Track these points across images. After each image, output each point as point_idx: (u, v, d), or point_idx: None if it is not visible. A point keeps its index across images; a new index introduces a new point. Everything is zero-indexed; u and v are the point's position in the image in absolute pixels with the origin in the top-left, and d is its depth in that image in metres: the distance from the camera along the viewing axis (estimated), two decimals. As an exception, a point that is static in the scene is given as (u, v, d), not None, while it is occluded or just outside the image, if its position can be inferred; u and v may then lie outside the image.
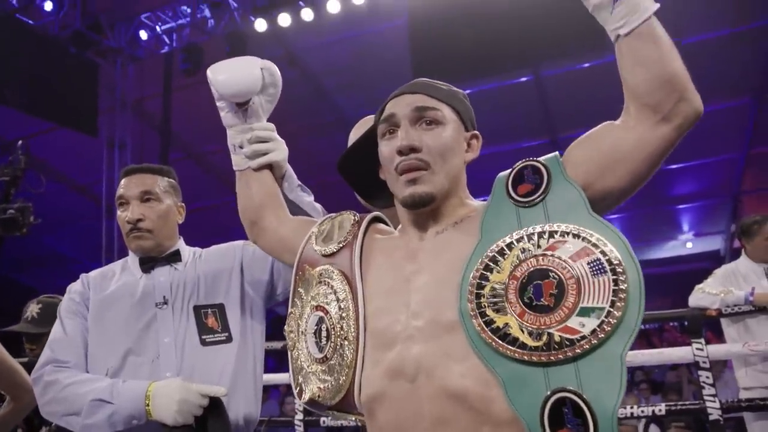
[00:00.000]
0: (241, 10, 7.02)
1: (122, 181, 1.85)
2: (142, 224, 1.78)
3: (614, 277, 0.94)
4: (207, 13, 7.22)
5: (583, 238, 0.98)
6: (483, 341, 1.00)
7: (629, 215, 10.97)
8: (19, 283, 10.53)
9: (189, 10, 7.34)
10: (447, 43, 6.24)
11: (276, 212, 1.46)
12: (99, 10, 7.31)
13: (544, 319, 0.96)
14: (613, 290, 0.93)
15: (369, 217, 1.33)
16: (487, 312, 1.00)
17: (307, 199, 1.63)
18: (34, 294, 3.11)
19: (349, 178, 1.38)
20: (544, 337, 0.95)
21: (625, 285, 0.93)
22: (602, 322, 0.92)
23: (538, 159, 1.11)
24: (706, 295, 3.55)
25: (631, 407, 3.51)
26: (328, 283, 1.21)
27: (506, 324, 0.98)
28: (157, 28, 7.56)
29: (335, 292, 1.19)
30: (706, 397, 3.19)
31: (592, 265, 0.96)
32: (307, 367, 1.21)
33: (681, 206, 11.60)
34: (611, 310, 0.92)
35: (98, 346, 1.70)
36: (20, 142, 4.42)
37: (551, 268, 0.98)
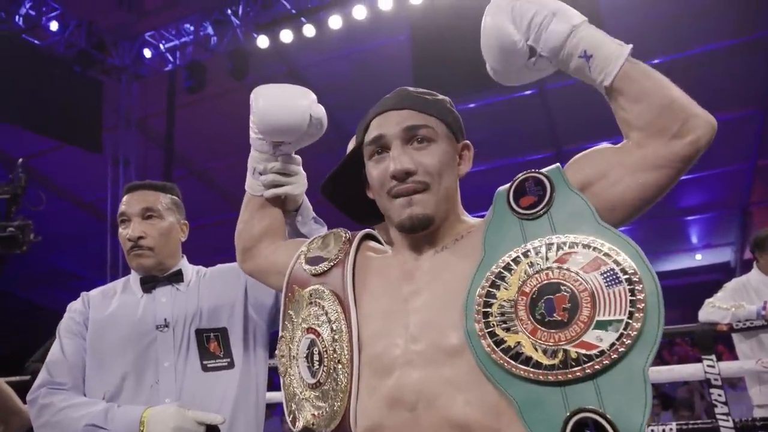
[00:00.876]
0: (243, 27, 7.04)
1: (124, 198, 1.81)
2: (144, 242, 1.74)
3: (630, 287, 0.90)
4: (210, 30, 7.24)
5: (594, 248, 0.93)
6: (494, 363, 0.94)
7: (636, 227, 10.88)
8: (26, 300, 10.53)
9: (192, 28, 7.37)
10: (450, 57, 6.20)
11: (272, 243, 1.40)
12: (103, 29, 7.35)
13: (558, 336, 0.91)
14: (630, 301, 0.89)
15: (360, 234, 1.27)
16: (496, 331, 0.95)
17: (321, 231, 1.56)
18: (40, 311, 3.09)
19: (334, 200, 1.32)
20: (560, 355, 0.90)
21: (643, 295, 0.89)
22: (621, 335, 0.88)
23: (540, 171, 1.06)
24: (716, 309, 3.47)
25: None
26: (319, 303, 1.15)
27: (518, 343, 0.93)
28: (161, 46, 7.59)
29: (327, 314, 1.13)
30: (718, 416, 3.10)
31: (605, 276, 0.91)
32: (300, 393, 1.15)
33: (689, 218, 11.50)
34: (630, 321, 0.88)
35: (96, 369, 1.65)
36: (20, 159, 4.41)
37: (562, 281, 0.93)
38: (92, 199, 9.09)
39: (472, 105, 7.88)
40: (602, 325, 0.89)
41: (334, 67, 7.85)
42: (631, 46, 1.02)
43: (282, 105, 1.32)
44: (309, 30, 6.75)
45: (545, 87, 8.00)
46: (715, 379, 3.13)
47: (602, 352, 0.88)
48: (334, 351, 1.09)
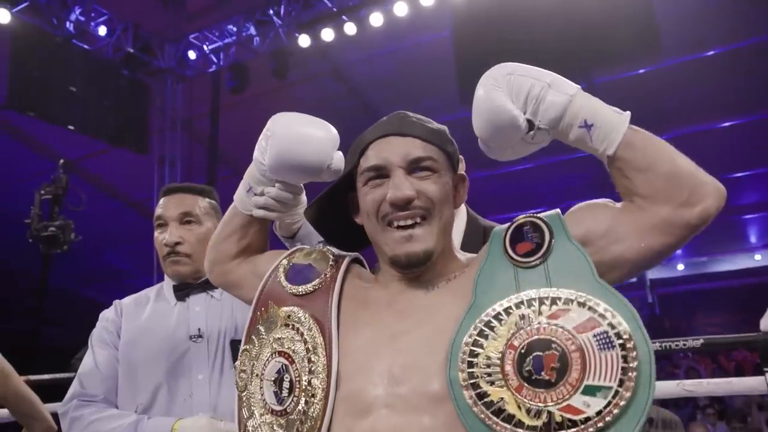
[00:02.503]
0: (285, 27, 7.06)
1: (161, 201, 1.74)
2: (181, 248, 1.67)
3: (623, 353, 0.86)
4: (252, 30, 7.30)
5: (590, 308, 0.89)
6: (475, 416, 0.90)
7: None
8: (83, 297, 10.89)
9: (235, 29, 7.44)
10: (493, 53, 6.06)
11: (247, 260, 1.29)
12: (149, 33, 7.50)
13: (544, 396, 0.87)
14: (622, 368, 0.85)
15: (348, 259, 1.20)
16: (480, 383, 0.90)
17: None
18: (96, 307, 3.12)
19: (316, 222, 1.25)
20: (544, 416, 0.86)
21: (635, 363, 0.85)
22: (609, 403, 0.84)
23: (539, 215, 1.02)
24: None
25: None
26: (297, 328, 1.08)
27: (502, 398, 0.89)
28: (205, 47, 7.69)
29: (305, 342, 1.06)
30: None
31: (598, 338, 0.87)
32: (260, 416, 1.08)
33: (747, 216, 11.03)
34: (620, 390, 0.85)
35: (128, 380, 1.60)
36: (61, 161, 4.52)
37: (553, 338, 0.89)
38: (141, 198, 9.31)
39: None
40: (591, 391, 0.85)
41: (376, 65, 7.82)
42: (629, 113, 1.00)
43: (302, 150, 1.19)
44: (350, 28, 6.73)
45: (594, 81, 7.79)
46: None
47: (588, 419, 0.84)
48: (309, 384, 1.03)
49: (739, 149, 8.42)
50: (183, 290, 1.70)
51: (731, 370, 8.71)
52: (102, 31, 7.12)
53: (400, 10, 6.45)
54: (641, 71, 7.41)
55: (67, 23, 6.85)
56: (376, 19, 6.60)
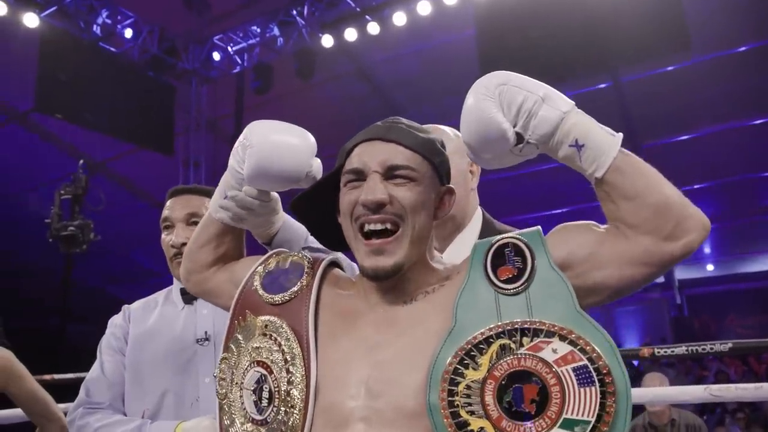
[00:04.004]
0: (308, 27, 7.08)
1: (168, 202, 1.72)
2: None
3: (602, 388, 0.86)
4: (276, 31, 7.34)
5: (570, 341, 0.89)
6: None
7: (722, 226, 10.28)
8: (110, 296, 11.07)
9: (258, 30, 7.49)
10: (518, 51, 6.02)
11: (222, 269, 1.28)
12: (174, 35, 7.59)
13: (523, 428, 0.87)
14: (601, 403, 0.85)
15: (324, 263, 1.17)
16: (460, 413, 0.90)
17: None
18: (122, 306, 3.17)
19: (307, 219, 1.23)
20: None
21: (613, 399, 0.86)
22: None
23: (520, 236, 1.00)
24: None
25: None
26: (275, 338, 1.07)
27: (481, 428, 0.89)
28: (229, 48, 7.77)
29: (282, 352, 1.05)
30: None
31: (578, 372, 0.87)
32: (241, 424, 1.08)
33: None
34: (597, 425, 0.85)
35: (135, 385, 1.61)
36: (81, 161, 4.58)
37: (534, 371, 0.88)
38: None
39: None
40: (569, 425, 0.86)
41: (400, 64, 7.81)
42: (621, 135, 0.97)
43: (280, 159, 1.17)
44: (373, 28, 6.73)
45: (621, 79, 7.68)
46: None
47: None
48: (288, 394, 1.02)
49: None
50: (189, 294, 1.65)
51: (762, 374, 8.52)
52: (128, 33, 7.24)
53: (424, 9, 6.44)
54: (670, 69, 7.28)
55: (94, 26, 6.98)
56: (399, 18, 6.59)
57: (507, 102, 0.98)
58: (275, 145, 1.17)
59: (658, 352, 2.38)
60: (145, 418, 1.55)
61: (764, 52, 6.79)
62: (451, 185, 1.15)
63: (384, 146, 1.07)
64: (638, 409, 4.17)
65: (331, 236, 1.19)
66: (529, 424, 0.87)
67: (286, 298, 1.11)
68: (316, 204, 1.18)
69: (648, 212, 0.94)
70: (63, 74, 6.59)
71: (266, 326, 1.09)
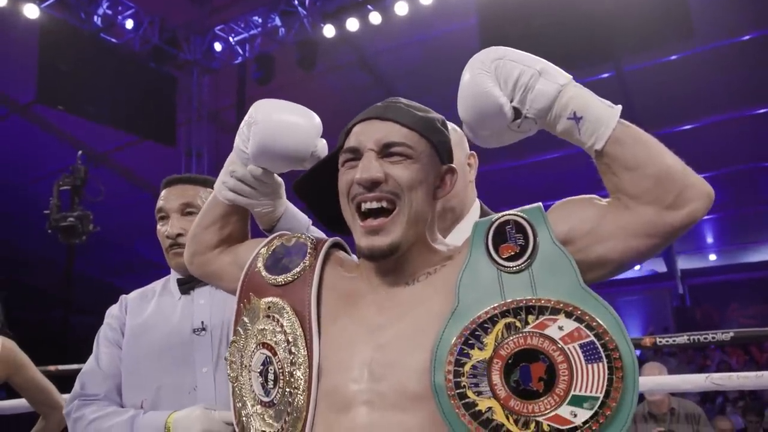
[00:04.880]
0: (310, 17, 7.05)
1: (162, 193, 1.71)
2: (182, 239, 1.62)
3: (609, 364, 0.86)
4: (278, 21, 7.31)
5: (576, 318, 0.88)
6: (463, 425, 0.89)
7: (725, 215, 10.28)
8: (115, 287, 11.11)
9: (260, 20, 7.46)
10: (520, 40, 5.96)
11: (227, 251, 1.28)
12: (175, 25, 7.56)
13: (532, 407, 0.87)
14: (609, 379, 0.85)
15: (327, 244, 1.17)
16: (467, 393, 0.89)
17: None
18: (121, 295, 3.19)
19: (310, 201, 1.22)
20: (532, 426, 0.86)
21: (621, 374, 0.86)
22: (596, 413, 0.85)
23: (521, 212, 0.99)
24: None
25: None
26: (277, 320, 1.07)
27: (489, 408, 0.88)
28: (231, 39, 7.74)
29: (285, 333, 1.05)
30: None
31: (585, 349, 0.87)
32: (251, 406, 1.08)
33: (782, 205, 10.76)
34: (606, 400, 0.85)
35: (133, 376, 1.61)
36: (80, 152, 4.58)
37: (541, 349, 0.88)
38: (169, 190, 9.42)
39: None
40: (577, 401, 0.86)
41: (403, 54, 7.77)
42: (620, 107, 0.96)
43: (285, 138, 1.17)
44: (375, 17, 6.70)
45: (624, 69, 7.63)
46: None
47: (575, 429, 0.85)
48: (291, 375, 1.02)
49: (772, 137, 8.21)
50: (187, 283, 1.69)
51: (763, 363, 8.54)
52: (129, 24, 7.21)
53: (425, -2, 6.40)
54: (672, 58, 7.24)
55: (95, 17, 6.96)
56: (400, 8, 6.55)
57: (503, 76, 0.98)
58: (280, 124, 1.17)
59: (660, 342, 2.39)
60: (143, 409, 1.54)
61: (766, 41, 6.75)
62: (453, 165, 1.13)
63: (380, 124, 1.06)
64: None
65: (335, 219, 1.18)
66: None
67: (289, 278, 1.11)
68: (319, 186, 1.18)
69: (649, 182, 0.93)
70: (64, 66, 6.58)
71: (269, 308, 1.09)
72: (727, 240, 11.84)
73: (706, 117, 8.35)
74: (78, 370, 1.66)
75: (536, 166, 8.55)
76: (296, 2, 7.08)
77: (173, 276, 1.73)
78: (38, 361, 2.24)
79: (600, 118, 0.94)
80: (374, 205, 1.03)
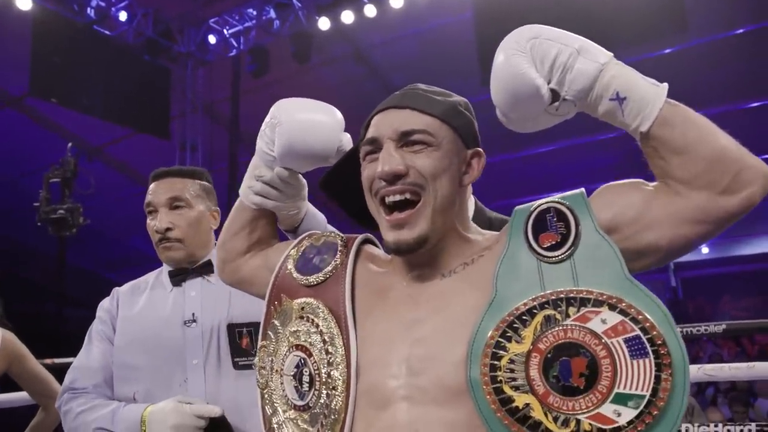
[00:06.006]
0: (305, 9, 7.02)
1: (150, 187, 1.69)
2: (171, 234, 1.63)
3: (657, 360, 0.80)
4: (272, 14, 7.28)
5: (621, 310, 0.83)
6: (498, 421, 0.85)
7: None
8: (110, 281, 11.09)
9: (254, 13, 7.42)
10: (515, 34, 5.96)
11: (257, 255, 1.26)
12: (169, 17, 7.51)
13: (572, 404, 0.82)
14: (656, 376, 0.80)
15: (358, 241, 1.15)
16: (503, 388, 0.86)
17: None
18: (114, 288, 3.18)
19: (337, 197, 1.21)
20: (572, 424, 0.82)
21: (669, 371, 0.80)
22: (642, 413, 0.79)
23: (562, 199, 0.93)
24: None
25: (716, 426, 3.16)
26: (312, 320, 1.04)
27: (527, 405, 0.84)
28: (225, 31, 7.70)
29: (321, 333, 1.02)
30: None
31: (630, 343, 0.82)
32: (283, 412, 1.06)
33: (773, 198, 10.81)
34: (653, 399, 0.79)
35: (124, 369, 1.61)
36: (70, 144, 4.56)
37: (582, 343, 0.83)
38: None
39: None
40: (621, 399, 0.80)
41: (398, 47, 7.75)
42: (667, 85, 0.89)
43: (311, 137, 1.16)
44: (370, 10, 6.68)
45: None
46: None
47: (619, 429, 0.80)
48: (328, 376, 0.99)
49: (766, 130, 8.24)
50: (179, 275, 1.68)
51: (754, 355, 8.60)
52: (122, 16, 7.15)
53: (420, -9, 6.39)
54: (667, 51, 7.24)
55: (88, 9, 6.90)
56: (396, 0, 6.53)
57: (540, 56, 0.92)
58: (304, 123, 1.17)
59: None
60: (135, 401, 1.55)
61: (762, 34, 6.76)
62: (479, 149, 1.08)
63: (398, 113, 1.03)
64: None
65: (364, 214, 1.14)
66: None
67: (321, 278, 1.09)
68: (345, 182, 1.15)
69: (701, 166, 0.86)
70: (57, 58, 6.52)
71: (303, 308, 1.06)
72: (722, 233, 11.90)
73: (702, 110, 8.34)
74: (71, 364, 1.67)
75: (531, 159, 8.56)
76: (291, -6, 7.05)
77: (165, 268, 1.73)
78: (33, 354, 2.25)
79: (645, 97, 0.88)
80: (398, 198, 1.00)
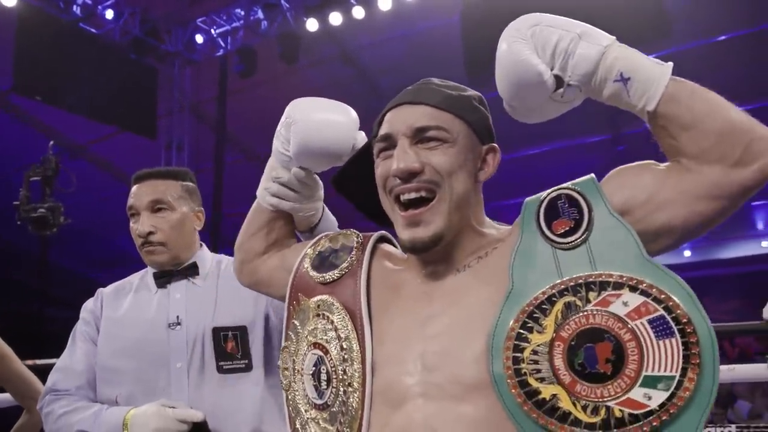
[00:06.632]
0: (293, 10, 7.01)
1: (132, 189, 1.68)
2: (154, 237, 1.62)
3: (683, 339, 0.79)
4: (260, 14, 7.25)
5: (642, 291, 0.81)
6: (525, 415, 0.84)
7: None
8: (95, 282, 10.97)
9: (242, 13, 7.39)
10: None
11: (275, 255, 1.27)
12: (157, 16, 7.46)
13: (600, 391, 0.80)
14: (684, 356, 0.78)
15: (374, 238, 1.15)
16: (528, 380, 0.84)
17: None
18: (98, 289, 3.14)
19: (350, 195, 1.21)
20: (602, 412, 0.80)
21: (697, 349, 0.78)
22: (673, 394, 0.77)
23: (573, 185, 0.93)
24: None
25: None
26: (328, 317, 1.04)
27: (554, 395, 0.82)
28: (212, 31, 7.65)
29: (336, 329, 1.02)
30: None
31: (654, 324, 0.80)
32: (305, 411, 1.06)
33: (755, 203, 10.96)
34: (682, 379, 0.78)
35: (108, 371, 1.60)
36: (51, 142, 4.51)
37: (605, 328, 0.82)
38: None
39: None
40: (651, 382, 0.79)
41: (386, 49, 7.76)
42: (671, 64, 0.89)
43: (327, 136, 1.18)
44: (358, 12, 6.68)
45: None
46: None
47: (651, 413, 0.78)
48: (344, 372, 0.99)
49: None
50: (163, 277, 1.67)
51: (734, 357, 8.71)
52: (109, 14, 7.08)
53: (409, -7, 6.40)
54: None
55: (74, 6, 6.82)
56: (384, 3, 6.54)
57: (541, 43, 0.92)
58: (320, 122, 1.18)
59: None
60: (118, 404, 1.54)
61: (745, 41, 6.86)
62: (494, 144, 1.08)
63: (411, 109, 1.02)
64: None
65: (377, 211, 1.14)
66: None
67: (337, 275, 1.08)
68: (357, 179, 1.16)
69: (711, 139, 0.85)
70: (42, 55, 6.44)
71: (319, 306, 1.06)
72: (701, 236, 12.02)
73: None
74: (53, 365, 1.66)
75: (512, 163, 8.59)
76: (279, -5, 7.04)
77: (150, 269, 1.72)
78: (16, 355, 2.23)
79: (650, 76, 0.88)
80: (413, 195, 1.00)
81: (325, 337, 1.03)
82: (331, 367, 1.01)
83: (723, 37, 7.19)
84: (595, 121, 8.51)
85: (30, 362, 3.00)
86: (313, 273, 1.11)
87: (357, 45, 7.75)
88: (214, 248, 1.82)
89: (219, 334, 1.57)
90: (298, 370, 1.07)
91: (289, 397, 1.10)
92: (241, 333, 1.58)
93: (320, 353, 1.03)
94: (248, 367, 1.56)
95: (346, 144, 1.20)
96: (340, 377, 0.99)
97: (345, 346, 1.00)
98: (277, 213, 1.27)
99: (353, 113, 1.23)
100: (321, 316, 1.06)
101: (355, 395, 0.97)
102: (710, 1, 6.39)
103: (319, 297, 1.08)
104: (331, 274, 1.09)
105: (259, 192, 1.27)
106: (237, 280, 1.35)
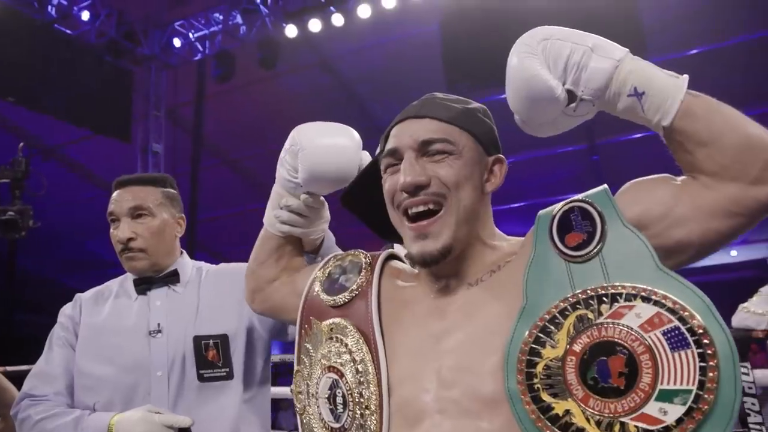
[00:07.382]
0: (272, 16, 7.00)
1: (113, 195, 1.66)
2: (134, 244, 1.60)
3: (700, 350, 0.76)
4: (239, 19, 7.22)
5: (656, 302, 0.79)
6: (539, 431, 0.83)
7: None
8: (66, 287, 10.77)
9: (221, 17, 7.35)
10: (480, 48, 6.07)
11: (285, 282, 1.27)
12: (134, 19, 7.38)
13: (614, 406, 0.79)
14: (701, 368, 0.75)
15: (382, 257, 1.15)
16: (542, 396, 0.83)
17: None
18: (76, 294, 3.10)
19: (358, 211, 1.21)
20: (616, 428, 0.78)
21: (715, 360, 0.75)
22: (691, 408, 0.75)
23: (586, 198, 0.91)
24: (750, 315, 3.31)
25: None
26: (341, 340, 1.04)
27: (567, 411, 0.81)
28: (190, 35, 7.59)
29: (350, 352, 1.02)
30: (751, 425, 2.96)
31: (669, 335, 0.78)
32: None
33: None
34: (701, 393, 0.75)
35: (86, 377, 1.57)
36: (21, 144, 4.43)
37: (618, 340, 0.80)
38: (123, 187, 9.21)
39: (503, 96, 7.72)
40: (666, 396, 0.76)
41: (364, 57, 7.79)
42: (687, 77, 0.87)
43: (334, 161, 1.19)
44: (338, 19, 6.69)
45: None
46: (749, 388, 2.99)
47: (667, 429, 0.76)
48: (360, 395, 0.99)
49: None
50: (143, 284, 1.65)
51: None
52: (85, 16, 6.97)
53: (388, 2, 6.40)
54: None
55: (49, 7, 6.71)
56: (363, 11, 6.55)
57: (552, 57, 0.90)
58: (327, 148, 1.19)
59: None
60: (95, 411, 1.51)
61: (716, 55, 7.01)
62: (500, 155, 1.08)
63: (417, 123, 1.02)
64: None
65: (386, 227, 1.14)
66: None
67: (347, 297, 1.08)
68: (365, 196, 1.16)
69: (729, 156, 0.83)
70: (15, 56, 6.33)
71: (332, 329, 1.06)
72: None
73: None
74: (27, 371, 1.63)
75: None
76: (258, 0, 7.01)
77: (130, 276, 1.70)
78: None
79: (664, 90, 0.86)
80: (420, 208, 1.00)
81: (339, 360, 1.03)
82: (347, 390, 1.00)
83: (695, 51, 7.35)
84: (571, 130, 8.64)
85: (1, 369, 2.93)
86: (324, 296, 1.11)
87: (336, 52, 7.76)
88: (191, 252, 1.80)
89: (200, 343, 1.56)
90: (313, 394, 1.07)
91: (304, 421, 1.09)
92: (222, 341, 1.57)
93: (335, 376, 1.03)
94: (229, 376, 1.55)
95: (354, 166, 1.21)
96: (357, 400, 0.99)
97: (360, 369, 1.00)
98: (286, 238, 1.27)
99: (356, 135, 1.24)
100: (334, 339, 1.05)
101: (373, 417, 0.97)
102: (684, 15, 6.53)
103: (331, 320, 1.07)
104: (342, 297, 1.09)
105: (267, 220, 1.28)
106: (249, 305, 1.35)
